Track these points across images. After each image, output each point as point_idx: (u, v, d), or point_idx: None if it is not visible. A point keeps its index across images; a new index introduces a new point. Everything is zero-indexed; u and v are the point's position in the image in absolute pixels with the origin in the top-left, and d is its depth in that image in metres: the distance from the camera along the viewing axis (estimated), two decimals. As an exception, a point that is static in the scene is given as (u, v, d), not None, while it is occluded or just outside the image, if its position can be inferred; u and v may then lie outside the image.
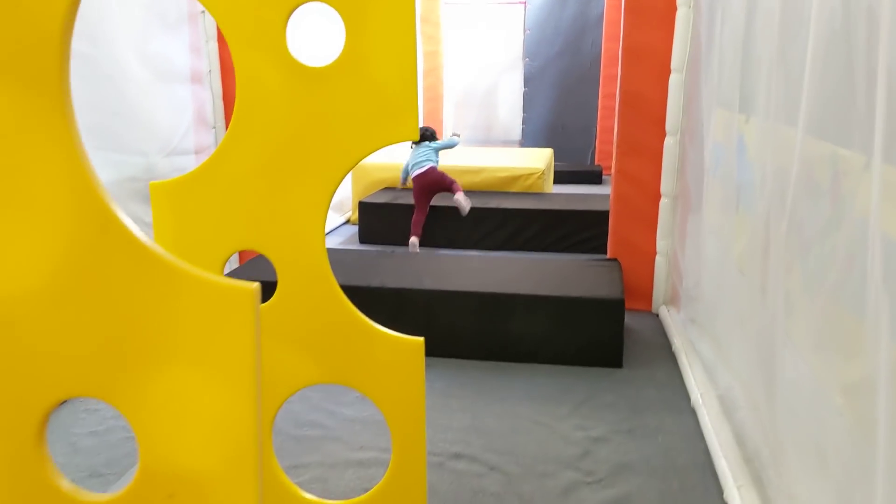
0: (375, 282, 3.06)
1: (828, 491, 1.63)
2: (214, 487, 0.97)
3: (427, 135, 4.99)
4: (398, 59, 1.72)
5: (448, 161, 5.27)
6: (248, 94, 1.76)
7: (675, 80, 3.40)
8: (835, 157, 1.70)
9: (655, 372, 2.93)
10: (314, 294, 1.83)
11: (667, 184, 3.50)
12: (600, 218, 4.71)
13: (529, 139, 9.69)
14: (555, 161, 7.39)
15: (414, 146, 4.96)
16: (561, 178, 7.47)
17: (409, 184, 4.95)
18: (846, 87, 1.52)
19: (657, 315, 3.60)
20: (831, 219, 1.67)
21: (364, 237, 4.99)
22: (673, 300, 3.55)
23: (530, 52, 9.45)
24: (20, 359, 0.98)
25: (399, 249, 4.76)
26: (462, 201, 4.70)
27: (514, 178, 5.40)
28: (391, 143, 1.79)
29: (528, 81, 9.57)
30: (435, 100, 8.63)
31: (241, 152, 1.78)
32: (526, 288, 3.02)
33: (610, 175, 8.30)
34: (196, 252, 1.86)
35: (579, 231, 4.76)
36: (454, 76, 9.36)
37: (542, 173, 5.40)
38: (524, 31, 9.52)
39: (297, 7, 1.71)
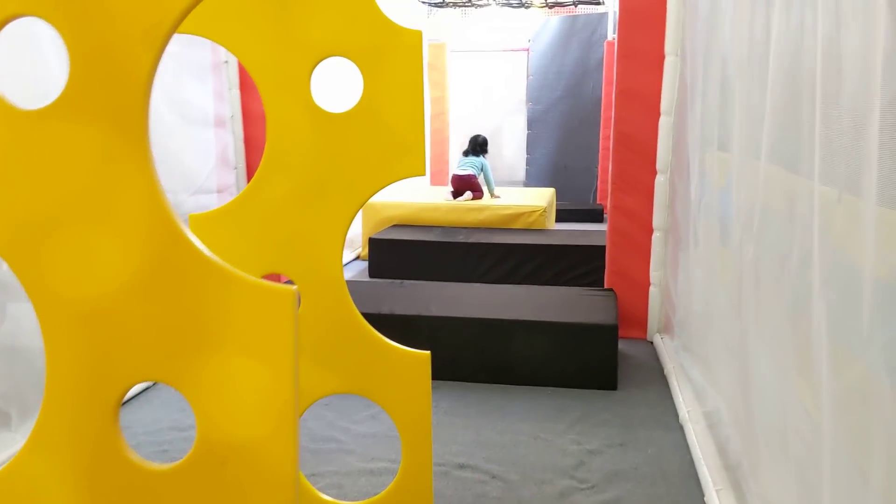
0: (384, 309, 3.28)
1: (793, 494, 1.80)
2: (260, 453, 1.18)
3: (479, 141, 6.17)
4: (408, 106, 1.97)
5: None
6: (276, 136, 2.01)
7: (664, 122, 3.65)
8: (789, 184, 1.92)
9: (648, 393, 3.12)
10: (332, 313, 2.06)
11: (658, 218, 3.73)
12: (598, 253, 4.92)
13: (533, 179, 9.98)
14: (557, 200, 7.64)
15: (466, 154, 6.15)
16: (563, 216, 7.72)
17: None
18: (795, 121, 1.76)
19: (651, 342, 3.80)
20: (790, 242, 1.88)
21: (374, 272, 5.22)
22: (666, 328, 3.76)
23: (533, 97, 9.78)
24: (102, 347, 1.20)
25: (407, 282, 4.98)
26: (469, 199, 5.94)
27: (517, 216, 5.65)
28: (402, 178, 2.04)
29: (531, 124, 9.89)
30: (442, 142, 8.94)
31: (271, 188, 2.03)
32: (526, 314, 3.23)
33: (611, 214, 8.60)
34: (228, 275, 2.10)
35: (579, 265, 4.98)
36: (460, 120, 9.69)
37: (544, 211, 5.64)
38: (527, 76, 9.87)
39: (321, 60, 1.97)
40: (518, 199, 6.11)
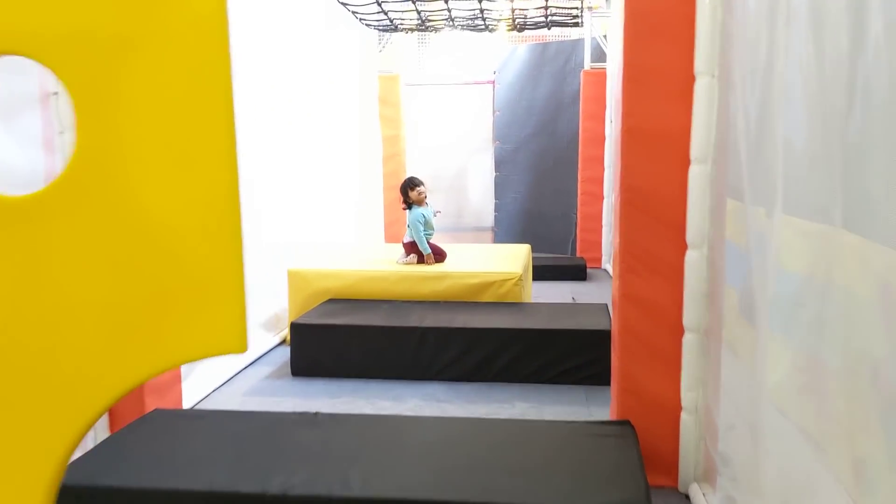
0: (275, 485, 2.03)
1: None
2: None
3: (401, 190, 5.01)
4: (193, 180, 0.76)
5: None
6: None
7: (697, 174, 2.50)
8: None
9: None
10: None
11: (692, 314, 2.55)
12: (594, 339, 3.76)
13: (503, 226, 8.86)
14: (532, 253, 6.44)
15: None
16: (540, 273, 6.56)
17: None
18: None
19: (686, 496, 2.60)
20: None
21: (298, 367, 3.97)
22: (707, 475, 2.56)
23: (501, 134, 8.71)
24: None
25: (342, 385, 3.75)
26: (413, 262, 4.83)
27: (486, 286, 4.45)
28: (189, 361, 0.81)
29: (499, 165, 8.80)
30: (397, 188, 7.73)
31: None
32: (507, 490, 2.00)
33: (596, 268, 7.45)
34: None
35: (569, 355, 3.79)
36: (419, 162, 8.54)
37: (520, 279, 4.45)
38: (494, 111, 8.80)
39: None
40: (486, 261, 4.92)
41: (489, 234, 9.12)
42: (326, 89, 5.90)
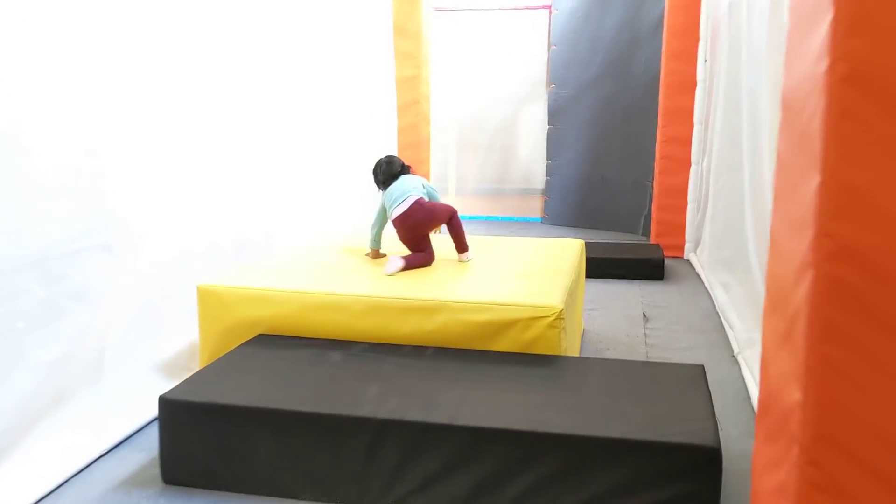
0: None
1: None
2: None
3: (396, 171, 3.44)
4: None
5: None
6: None
7: None
8: None
9: None
10: None
11: None
12: (688, 458, 2.04)
13: (555, 194, 7.14)
14: (591, 230, 4.65)
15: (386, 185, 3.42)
16: (600, 268, 4.82)
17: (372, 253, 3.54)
18: None
19: None
20: None
21: (172, 472, 2.37)
22: None
23: (557, 76, 6.95)
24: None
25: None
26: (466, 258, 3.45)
27: (502, 327, 2.74)
28: None
29: (553, 116, 7.04)
30: (418, 145, 6.03)
31: None
32: None
33: (678, 258, 5.62)
34: None
35: (640, 483, 2.08)
36: (449, 109, 6.82)
37: (558, 316, 2.72)
38: (549, 46, 6.99)
39: None
40: (508, 276, 3.17)
41: (538, 201, 7.39)
42: (305, 10, 4.22)
